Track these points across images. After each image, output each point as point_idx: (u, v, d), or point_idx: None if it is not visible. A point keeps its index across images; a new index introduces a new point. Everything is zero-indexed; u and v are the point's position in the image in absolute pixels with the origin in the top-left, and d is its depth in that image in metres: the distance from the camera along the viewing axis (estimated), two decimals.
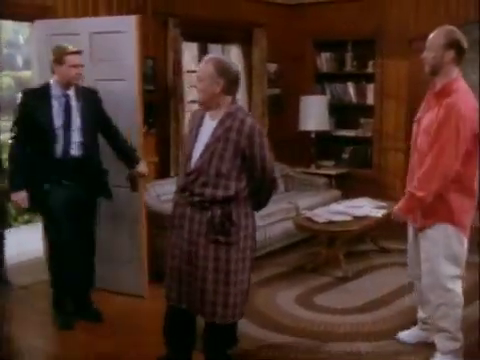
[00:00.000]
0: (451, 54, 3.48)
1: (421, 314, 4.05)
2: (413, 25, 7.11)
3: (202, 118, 3.50)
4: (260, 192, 3.59)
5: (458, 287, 3.64)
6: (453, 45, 3.47)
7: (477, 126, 3.45)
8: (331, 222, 5.61)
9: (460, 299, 3.65)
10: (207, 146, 3.39)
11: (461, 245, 3.59)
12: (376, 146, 7.65)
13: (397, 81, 7.33)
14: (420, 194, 3.48)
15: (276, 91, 7.85)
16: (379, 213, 5.93)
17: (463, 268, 3.65)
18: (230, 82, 3.42)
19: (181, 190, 3.47)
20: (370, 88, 7.69)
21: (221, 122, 3.40)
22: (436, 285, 3.63)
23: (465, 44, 3.51)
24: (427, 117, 3.58)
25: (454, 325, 3.65)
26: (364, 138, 7.84)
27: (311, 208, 6.28)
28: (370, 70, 7.68)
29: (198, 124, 3.49)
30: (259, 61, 7.31)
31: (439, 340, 3.73)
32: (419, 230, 3.68)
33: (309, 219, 5.72)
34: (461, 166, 3.45)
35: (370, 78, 7.68)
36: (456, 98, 3.43)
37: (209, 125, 3.44)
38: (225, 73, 3.40)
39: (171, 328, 3.69)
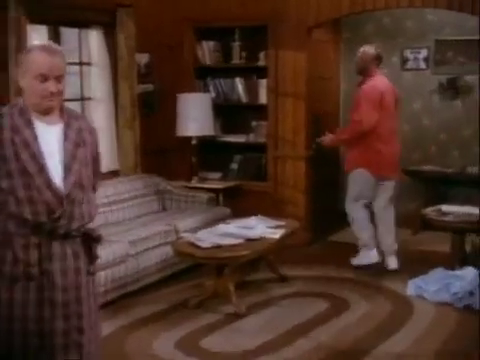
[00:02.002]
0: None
1: None
2: (314, 11, 7.22)
3: (30, 125, 3.08)
4: None
5: None
6: (376, 58, 6.40)
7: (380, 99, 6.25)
8: (218, 247, 5.60)
9: None
10: (72, 155, 3.13)
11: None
12: (271, 154, 7.71)
13: (294, 76, 7.43)
14: (340, 137, 6.65)
15: (149, 88, 7.67)
16: (276, 234, 5.96)
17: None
18: None
19: (54, 220, 3.02)
20: (262, 84, 7.77)
21: (68, 124, 3.17)
22: None
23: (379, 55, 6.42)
24: None
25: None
26: (257, 144, 7.95)
27: (194, 230, 6.27)
28: (262, 63, 7.76)
29: (31, 133, 3.06)
30: (126, 50, 7.07)
31: None
32: None
33: (191, 244, 5.69)
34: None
35: (262, 72, 7.75)
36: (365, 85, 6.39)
37: (49, 131, 3.11)
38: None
39: None
